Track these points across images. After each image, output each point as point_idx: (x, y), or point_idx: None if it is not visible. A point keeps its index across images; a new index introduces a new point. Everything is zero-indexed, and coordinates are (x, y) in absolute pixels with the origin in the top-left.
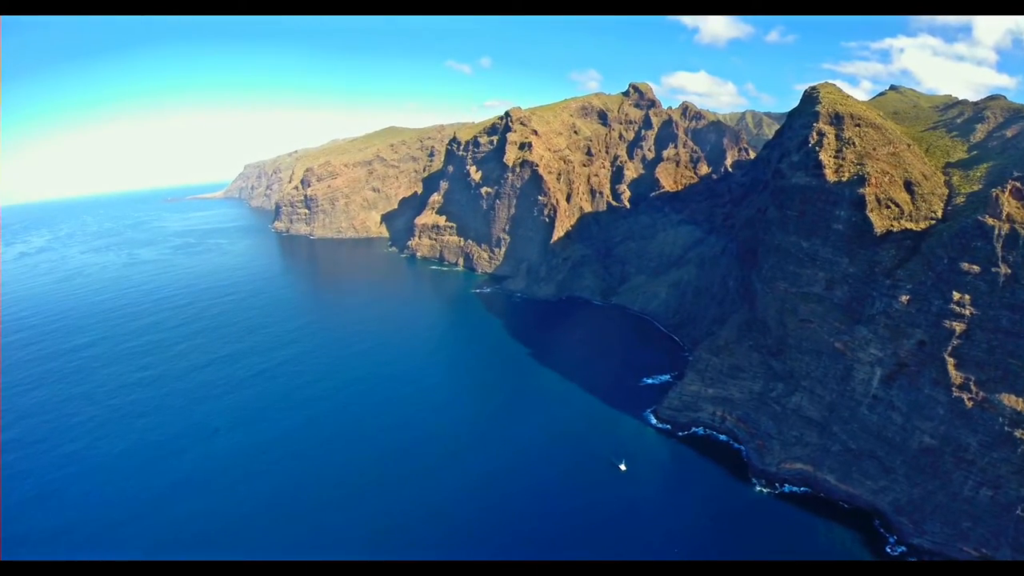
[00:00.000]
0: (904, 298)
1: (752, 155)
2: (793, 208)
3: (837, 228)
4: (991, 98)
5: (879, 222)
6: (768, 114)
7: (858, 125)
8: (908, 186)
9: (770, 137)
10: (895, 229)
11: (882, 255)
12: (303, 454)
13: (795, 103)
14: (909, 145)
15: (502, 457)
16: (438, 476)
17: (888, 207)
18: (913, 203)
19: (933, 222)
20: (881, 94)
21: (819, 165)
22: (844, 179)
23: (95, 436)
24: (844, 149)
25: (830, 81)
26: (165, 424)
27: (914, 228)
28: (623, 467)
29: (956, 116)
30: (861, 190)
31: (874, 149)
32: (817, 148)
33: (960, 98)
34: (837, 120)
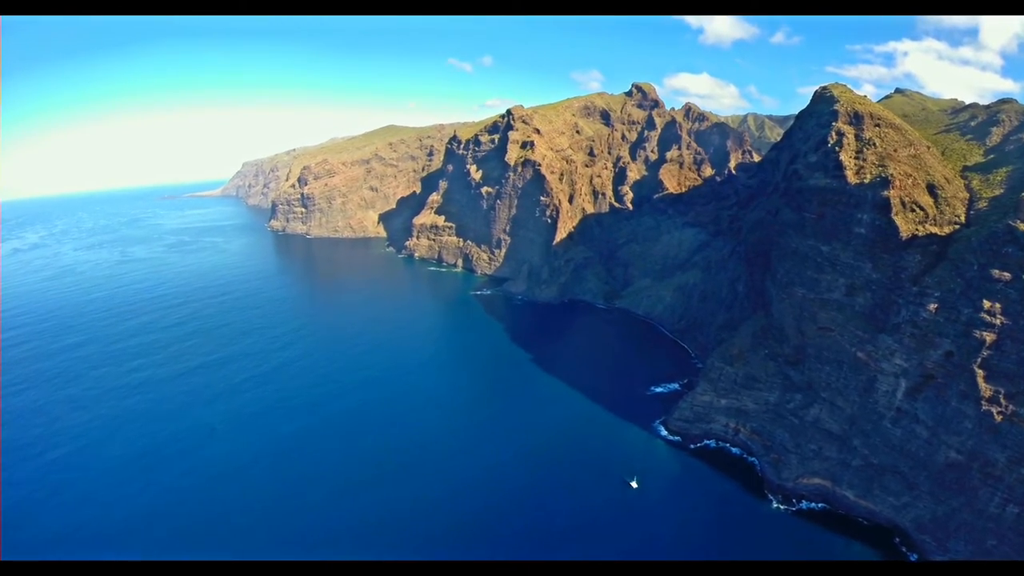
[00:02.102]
0: (932, 306)
1: (756, 158)
2: (811, 211)
3: (859, 232)
4: (1003, 101)
5: (904, 226)
6: (770, 117)
7: (878, 125)
8: (931, 189)
9: (772, 140)
10: (920, 234)
11: (908, 260)
12: (295, 466)
13: (797, 106)
14: (928, 147)
15: (504, 471)
16: (437, 489)
17: (913, 210)
18: (937, 207)
19: (957, 227)
20: (887, 97)
21: (840, 166)
22: (866, 181)
23: (81, 443)
24: (865, 150)
25: (835, 83)
26: (155, 430)
27: (938, 233)
28: (635, 484)
29: (969, 119)
30: (885, 192)
31: (895, 150)
32: (837, 148)
33: (967, 102)
34: (856, 119)
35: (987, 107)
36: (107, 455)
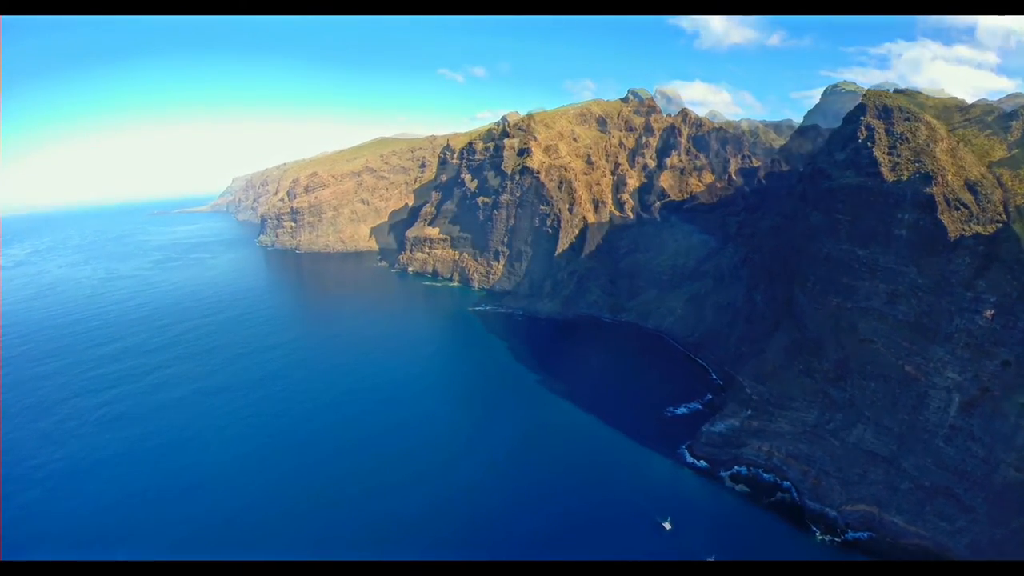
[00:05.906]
0: (988, 312)
1: (756, 163)
2: (844, 212)
3: (900, 233)
4: (1014, 96)
5: (952, 226)
6: (764, 122)
7: (908, 119)
8: (969, 186)
9: (768, 145)
10: (967, 234)
11: (957, 263)
12: (288, 520)
13: (791, 111)
14: (959, 142)
15: (518, 511)
16: (444, 534)
17: (957, 208)
18: (978, 204)
19: (1000, 225)
20: None
21: (874, 163)
22: (904, 178)
23: (48, 486)
24: (898, 145)
25: (845, 82)
26: (137, 470)
27: (983, 232)
28: (668, 525)
29: (983, 115)
30: (928, 189)
31: (928, 145)
32: (869, 144)
33: (968, 101)
34: (886, 113)
35: (998, 103)
36: (83, 497)
